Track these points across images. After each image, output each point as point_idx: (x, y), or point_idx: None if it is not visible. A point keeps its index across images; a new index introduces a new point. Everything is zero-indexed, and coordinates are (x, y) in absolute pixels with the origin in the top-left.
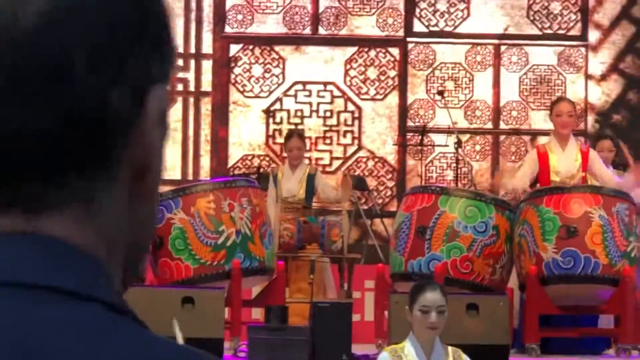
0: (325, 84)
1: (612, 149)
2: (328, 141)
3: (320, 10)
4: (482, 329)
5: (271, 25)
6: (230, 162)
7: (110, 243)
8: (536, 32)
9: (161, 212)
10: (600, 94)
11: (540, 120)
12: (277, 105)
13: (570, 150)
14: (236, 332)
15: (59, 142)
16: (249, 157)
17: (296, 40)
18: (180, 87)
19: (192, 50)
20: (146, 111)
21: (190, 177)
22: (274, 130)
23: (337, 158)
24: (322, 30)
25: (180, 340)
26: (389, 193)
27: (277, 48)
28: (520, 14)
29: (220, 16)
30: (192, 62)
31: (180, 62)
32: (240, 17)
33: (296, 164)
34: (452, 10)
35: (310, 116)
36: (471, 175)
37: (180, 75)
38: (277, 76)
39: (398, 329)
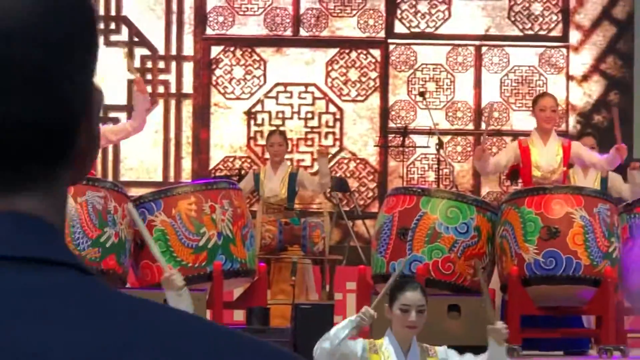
0: (306, 85)
1: (594, 145)
2: (309, 142)
3: (301, 11)
4: (464, 330)
5: (252, 27)
6: (212, 164)
7: (62, 219)
8: (517, 33)
9: (142, 214)
10: (582, 95)
11: (521, 121)
12: (259, 107)
13: (551, 145)
14: None
15: (36, 135)
16: (231, 159)
17: (277, 42)
18: (161, 89)
19: (173, 52)
20: (92, 104)
21: (172, 179)
22: (255, 132)
23: None
24: (303, 32)
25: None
26: (370, 194)
27: (258, 50)
28: (502, 15)
29: (201, 18)
30: (173, 64)
31: (161, 64)
32: (221, 18)
33: (277, 161)
34: (433, 11)
35: (291, 118)
36: (453, 177)
37: (161, 77)
38: (258, 78)
39: (380, 331)
